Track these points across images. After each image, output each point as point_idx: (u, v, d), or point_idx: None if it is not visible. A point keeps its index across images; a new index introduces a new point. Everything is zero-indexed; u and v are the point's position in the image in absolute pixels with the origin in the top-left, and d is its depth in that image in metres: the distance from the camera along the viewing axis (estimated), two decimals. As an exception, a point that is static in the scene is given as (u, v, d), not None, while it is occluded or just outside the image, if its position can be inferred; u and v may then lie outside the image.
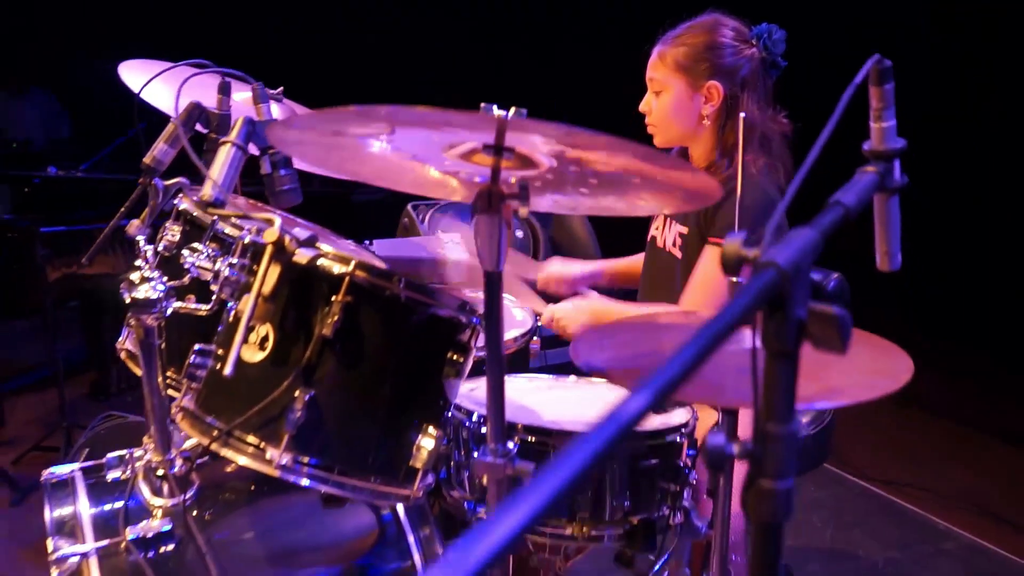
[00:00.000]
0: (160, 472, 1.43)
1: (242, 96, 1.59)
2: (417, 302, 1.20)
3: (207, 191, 1.27)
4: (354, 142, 1.05)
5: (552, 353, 2.65)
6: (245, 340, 1.18)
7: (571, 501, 1.41)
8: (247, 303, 1.14)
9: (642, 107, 1.83)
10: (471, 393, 1.55)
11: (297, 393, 1.16)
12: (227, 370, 1.12)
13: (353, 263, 1.16)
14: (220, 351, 1.24)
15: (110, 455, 1.51)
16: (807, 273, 0.71)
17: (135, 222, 1.49)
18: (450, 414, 1.34)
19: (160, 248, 1.46)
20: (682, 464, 1.47)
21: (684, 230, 1.81)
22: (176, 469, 1.44)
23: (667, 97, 1.78)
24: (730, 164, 1.69)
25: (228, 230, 1.35)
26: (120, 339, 1.65)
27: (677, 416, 1.52)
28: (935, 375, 3.04)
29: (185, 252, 1.34)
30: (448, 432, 1.32)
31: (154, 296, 1.32)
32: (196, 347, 1.25)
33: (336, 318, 1.15)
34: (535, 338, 1.92)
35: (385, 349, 1.21)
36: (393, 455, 1.23)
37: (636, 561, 1.46)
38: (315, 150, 1.18)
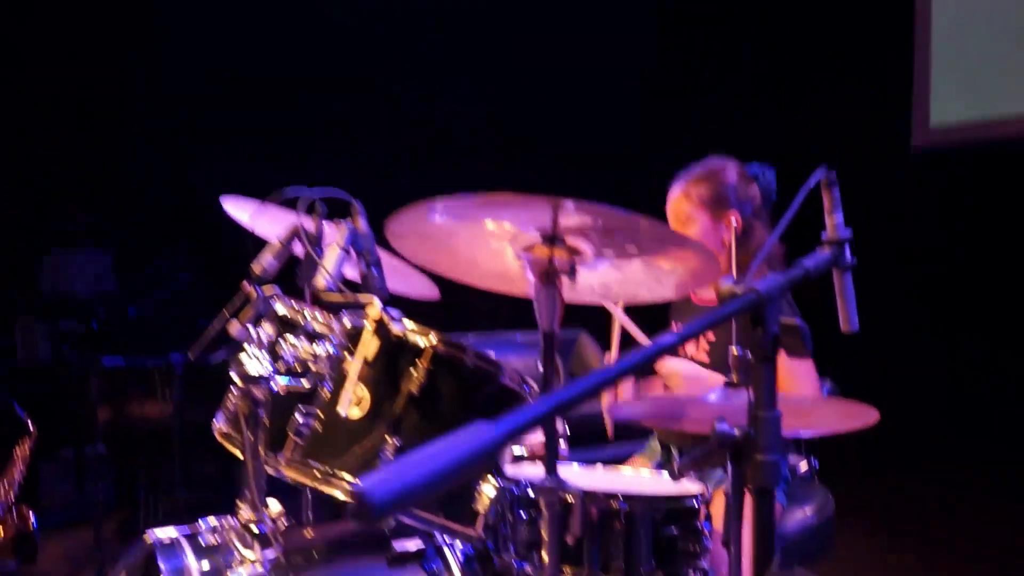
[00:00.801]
0: (254, 530, 1.70)
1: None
2: (483, 370, 1.52)
3: (321, 281, 1.62)
4: (443, 235, 1.41)
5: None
6: (344, 402, 1.49)
7: (604, 560, 1.64)
8: (354, 366, 1.46)
9: None
10: (517, 469, 1.81)
11: (388, 440, 1.46)
12: (342, 412, 1.42)
13: (435, 336, 1.49)
14: (321, 413, 1.55)
15: (203, 520, 1.78)
16: (778, 301, 1.04)
17: (235, 322, 1.84)
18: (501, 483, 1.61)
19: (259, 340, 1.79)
20: (699, 527, 1.71)
21: (712, 337, 2.13)
22: (267, 529, 1.70)
23: (695, 228, 2.12)
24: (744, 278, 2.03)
25: (317, 327, 1.69)
26: (216, 422, 1.95)
27: (694, 487, 1.77)
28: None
29: (281, 343, 1.68)
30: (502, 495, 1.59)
31: (265, 372, 1.64)
32: (301, 408, 1.56)
33: (421, 380, 1.47)
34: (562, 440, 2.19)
35: (457, 406, 1.51)
36: (461, 497, 1.51)
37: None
38: (411, 243, 1.53)
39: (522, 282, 1.52)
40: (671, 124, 4.83)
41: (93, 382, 4.38)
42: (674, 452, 2.13)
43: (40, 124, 6.96)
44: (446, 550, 1.79)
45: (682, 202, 2.14)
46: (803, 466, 2.13)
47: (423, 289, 2.17)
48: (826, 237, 1.29)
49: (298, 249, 1.96)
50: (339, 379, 1.56)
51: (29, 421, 3.27)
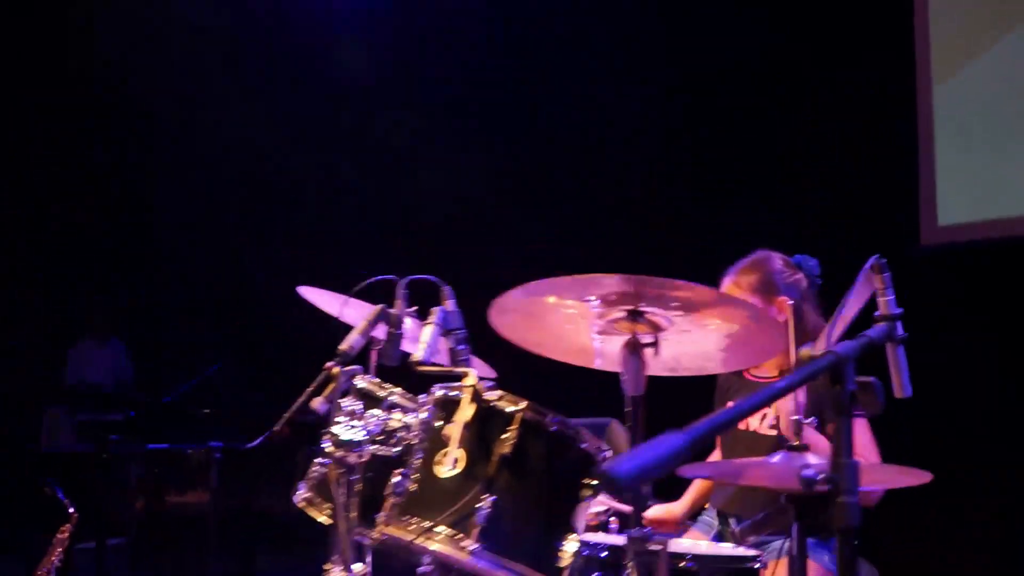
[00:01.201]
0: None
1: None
2: (565, 435, 1.68)
3: (419, 354, 1.79)
4: (538, 314, 1.60)
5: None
6: (440, 462, 1.66)
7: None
8: (455, 429, 1.62)
9: None
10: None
11: (483, 497, 1.60)
12: (445, 472, 1.57)
13: (524, 403, 1.66)
14: (417, 474, 1.70)
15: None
16: (852, 362, 1.21)
17: (318, 399, 2.01)
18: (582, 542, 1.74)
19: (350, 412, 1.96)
20: None
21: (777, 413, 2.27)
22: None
23: None
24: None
25: (398, 399, 1.88)
26: (299, 491, 2.08)
27: (752, 551, 1.90)
28: None
29: (368, 414, 1.85)
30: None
31: (359, 438, 1.80)
32: (399, 472, 1.71)
33: (512, 442, 1.63)
34: (613, 517, 2.32)
35: (543, 467, 1.67)
36: (547, 552, 1.64)
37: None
38: (511, 321, 1.72)
39: (602, 357, 1.70)
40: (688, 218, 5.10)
41: (132, 469, 4.50)
42: (731, 522, 2.25)
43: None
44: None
45: (733, 291, 2.33)
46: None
47: (482, 370, 2.35)
48: (878, 314, 1.48)
49: (380, 331, 2.15)
50: (432, 444, 1.72)
51: (71, 507, 3.35)
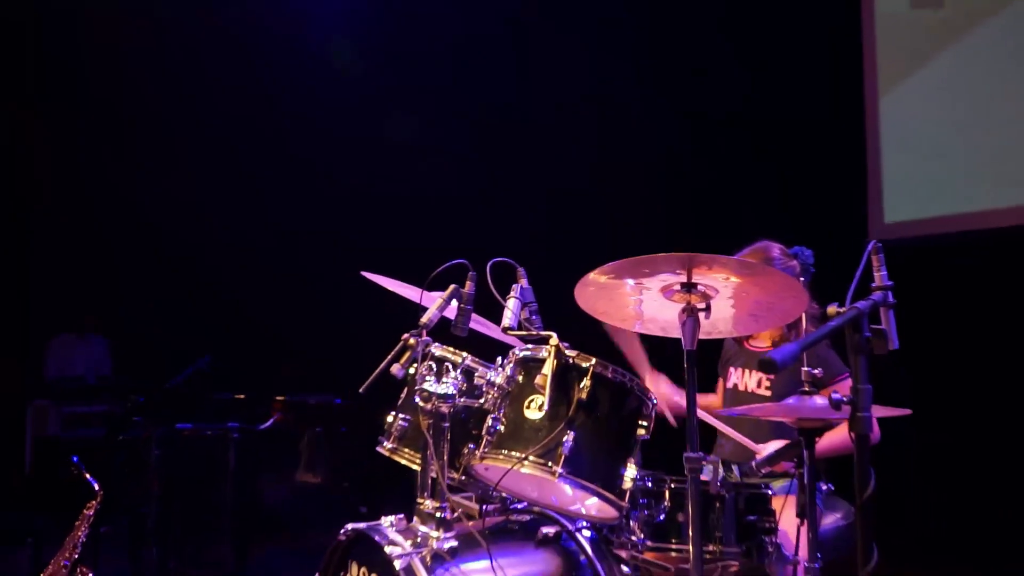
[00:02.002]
0: (437, 514, 2.21)
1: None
2: (625, 385, 2.11)
3: (506, 321, 2.20)
4: (610, 290, 2.02)
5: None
6: (528, 407, 2.08)
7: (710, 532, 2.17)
8: (545, 380, 2.03)
9: None
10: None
11: (567, 434, 2.02)
12: (532, 415, 1.99)
13: (594, 360, 2.08)
14: (505, 419, 2.11)
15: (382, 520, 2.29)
16: (866, 316, 1.66)
17: (396, 365, 2.40)
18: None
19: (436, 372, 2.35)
20: (772, 510, 2.27)
21: (773, 377, 2.73)
22: (448, 515, 2.23)
23: None
24: (791, 333, 2.67)
25: (471, 364, 2.29)
26: (383, 442, 2.46)
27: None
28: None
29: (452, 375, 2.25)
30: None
31: (451, 392, 2.20)
32: (491, 416, 2.12)
33: (587, 389, 2.05)
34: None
35: (610, 410, 2.09)
36: (614, 476, 2.07)
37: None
38: (590, 297, 2.13)
39: (660, 324, 2.14)
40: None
41: (152, 451, 4.74)
42: (734, 469, 2.70)
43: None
44: (578, 534, 2.33)
45: None
46: (824, 487, 2.74)
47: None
48: (875, 285, 1.93)
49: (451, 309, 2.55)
50: (517, 393, 2.14)
51: (96, 484, 3.58)
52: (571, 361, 2.09)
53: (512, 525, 2.35)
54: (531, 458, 2.03)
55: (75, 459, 3.88)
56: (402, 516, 2.29)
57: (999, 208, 4.79)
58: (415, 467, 2.35)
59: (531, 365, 2.15)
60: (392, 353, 2.55)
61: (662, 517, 2.17)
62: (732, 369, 2.91)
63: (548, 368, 2.06)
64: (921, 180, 5.16)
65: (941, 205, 5.01)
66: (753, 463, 2.32)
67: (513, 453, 2.06)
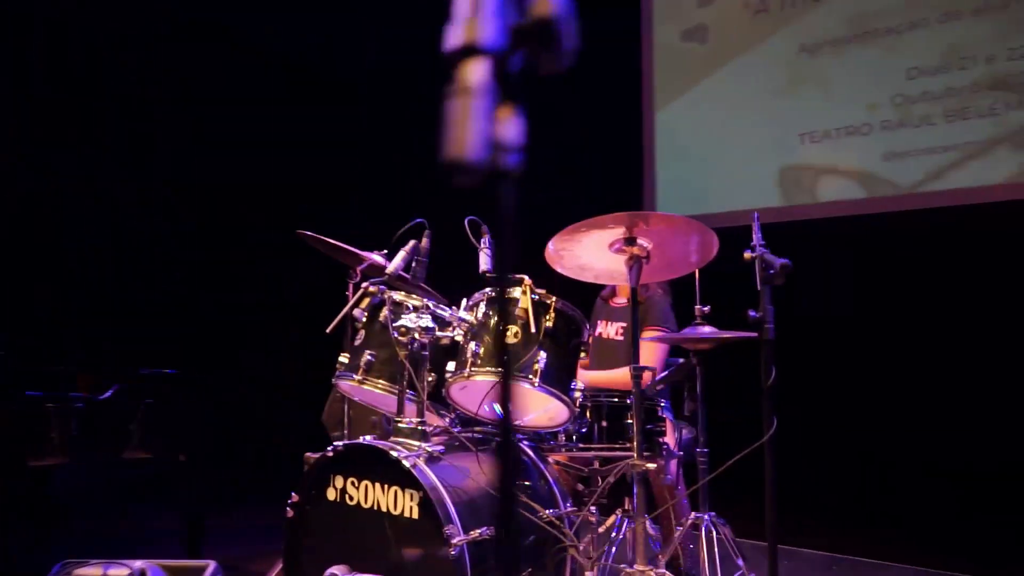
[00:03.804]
0: (419, 428, 2.69)
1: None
2: (575, 317, 2.74)
3: (484, 266, 2.73)
4: (573, 250, 2.64)
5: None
6: (505, 335, 2.63)
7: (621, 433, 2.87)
8: (526, 314, 2.60)
9: None
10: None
11: (540, 354, 2.60)
12: (510, 340, 2.55)
13: (554, 298, 2.68)
14: (483, 345, 2.64)
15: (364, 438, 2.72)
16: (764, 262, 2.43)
17: (357, 309, 2.86)
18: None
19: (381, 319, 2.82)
20: (663, 417, 3.01)
21: (624, 324, 3.48)
22: (429, 428, 2.71)
23: None
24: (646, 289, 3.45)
25: (439, 311, 2.80)
26: (350, 378, 2.88)
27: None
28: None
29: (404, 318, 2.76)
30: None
31: (431, 325, 2.70)
32: (474, 343, 2.64)
33: (551, 321, 2.65)
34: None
35: (567, 335, 2.71)
36: (568, 388, 2.69)
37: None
38: (555, 257, 2.72)
39: (611, 275, 2.79)
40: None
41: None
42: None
43: None
44: (520, 443, 2.92)
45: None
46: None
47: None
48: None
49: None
50: (493, 326, 2.68)
51: None
52: (539, 299, 2.67)
53: (472, 436, 2.88)
54: (515, 372, 2.59)
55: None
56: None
57: (741, 210, 6.02)
58: (392, 394, 2.80)
59: (500, 304, 2.71)
60: (353, 299, 2.98)
61: (584, 430, 2.84)
62: (599, 321, 3.67)
63: (526, 303, 2.63)
64: (687, 183, 6.31)
65: (705, 204, 6.18)
66: (650, 383, 3.05)
67: (498, 370, 2.61)
